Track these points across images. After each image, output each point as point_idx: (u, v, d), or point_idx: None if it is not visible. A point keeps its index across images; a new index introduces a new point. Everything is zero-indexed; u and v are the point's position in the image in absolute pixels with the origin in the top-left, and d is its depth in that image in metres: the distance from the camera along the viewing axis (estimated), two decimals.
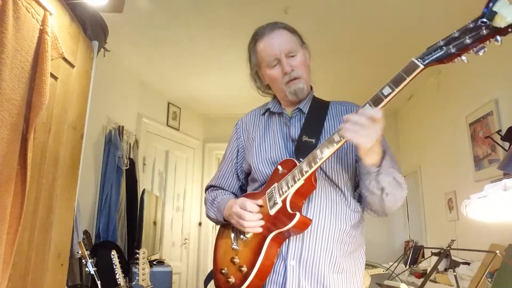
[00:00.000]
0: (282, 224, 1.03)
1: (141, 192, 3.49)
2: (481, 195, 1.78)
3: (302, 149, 1.09)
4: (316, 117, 1.18)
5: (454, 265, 2.12)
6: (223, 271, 1.15)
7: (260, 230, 1.08)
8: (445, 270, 2.65)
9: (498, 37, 0.77)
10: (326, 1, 2.57)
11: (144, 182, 3.79)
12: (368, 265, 3.52)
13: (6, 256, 1.04)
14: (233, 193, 1.35)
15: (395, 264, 2.93)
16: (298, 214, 1.01)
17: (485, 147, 2.65)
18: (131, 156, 3.50)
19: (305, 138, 1.13)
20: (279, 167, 1.13)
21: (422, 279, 2.51)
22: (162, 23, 2.85)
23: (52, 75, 1.32)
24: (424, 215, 3.88)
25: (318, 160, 1.00)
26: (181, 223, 4.45)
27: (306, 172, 1.02)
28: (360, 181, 1.10)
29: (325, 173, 1.14)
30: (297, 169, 1.05)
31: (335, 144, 0.97)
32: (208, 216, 1.31)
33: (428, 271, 2.60)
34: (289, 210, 1.03)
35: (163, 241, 4.04)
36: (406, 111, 4.42)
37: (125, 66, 3.56)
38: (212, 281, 1.22)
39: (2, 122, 1.02)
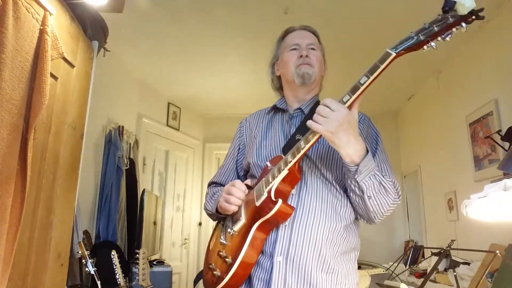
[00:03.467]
0: (265, 212, 1.05)
1: (141, 192, 3.49)
2: (481, 195, 1.78)
3: (292, 146, 1.09)
4: None
5: (454, 265, 2.12)
6: (211, 265, 1.16)
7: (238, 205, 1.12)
8: (445, 270, 2.65)
9: (464, 24, 0.85)
10: (327, 1, 2.57)
11: (144, 182, 3.79)
12: (368, 265, 3.52)
13: (6, 256, 1.04)
14: None
15: (395, 264, 2.93)
16: (280, 200, 1.03)
17: (485, 147, 2.65)
18: (131, 156, 3.50)
19: (298, 137, 1.15)
20: (268, 163, 1.16)
21: (422, 279, 2.51)
22: (162, 23, 2.85)
23: (52, 75, 1.31)
24: (424, 215, 3.88)
25: (301, 149, 1.02)
26: (181, 223, 4.46)
27: (290, 162, 1.04)
28: (345, 180, 1.11)
29: (320, 171, 1.15)
30: (282, 161, 1.08)
31: (316, 134, 1.00)
32: (205, 209, 1.35)
33: (428, 271, 2.60)
34: (273, 198, 1.05)
35: (163, 241, 4.04)
36: (406, 111, 4.42)
37: (125, 66, 3.56)
38: (201, 281, 1.23)
39: (2, 122, 1.02)
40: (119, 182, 3.09)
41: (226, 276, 1.05)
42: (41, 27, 1.20)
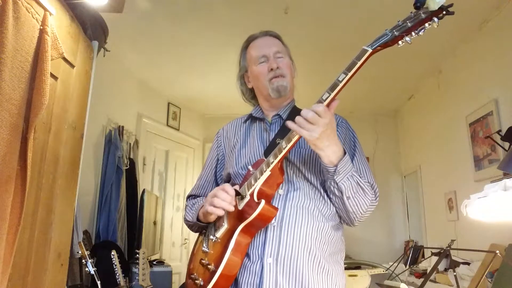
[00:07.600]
0: (248, 215, 1.03)
1: (141, 192, 3.49)
2: (481, 195, 1.78)
3: (272, 149, 1.09)
4: None
5: (454, 265, 2.12)
6: (192, 275, 1.13)
7: (231, 208, 1.06)
8: (445, 270, 2.65)
9: (436, 19, 0.88)
10: (326, 1, 2.57)
11: (144, 182, 3.79)
12: (368, 265, 3.52)
13: (6, 256, 1.04)
14: None
15: (395, 264, 2.93)
16: (262, 201, 1.01)
17: (485, 147, 2.65)
18: (131, 156, 3.50)
19: (278, 141, 1.14)
20: (250, 167, 1.15)
21: (422, 279, 2.51)
22: (162, 23, 2.85)
23: (52, 75, 1.32)
24: (424, 215, 3.88)
25: (283, 149, 1.03)
26: (181, 223, 4.45)
27: (272, 162, 1.04)
28: (325, 182, 1.12)
29: (304, 175, 1.16)
30: (264, 163, 1.07)
31: (296, 135, 1.01)
32: (185, 220, 1.32)
33: (428, 271, 2.60)
34: (255, 200, 1.04)
35: (163, 241, 4.04)
36: (406, 111, 4.42)
37: (125, 66, 3.56)
38: None
39: (2, 122, 1.02)
40: (119, 182, 3.09)
41: (209, 284, 1.02)
42: (41, 27, 1.20)
